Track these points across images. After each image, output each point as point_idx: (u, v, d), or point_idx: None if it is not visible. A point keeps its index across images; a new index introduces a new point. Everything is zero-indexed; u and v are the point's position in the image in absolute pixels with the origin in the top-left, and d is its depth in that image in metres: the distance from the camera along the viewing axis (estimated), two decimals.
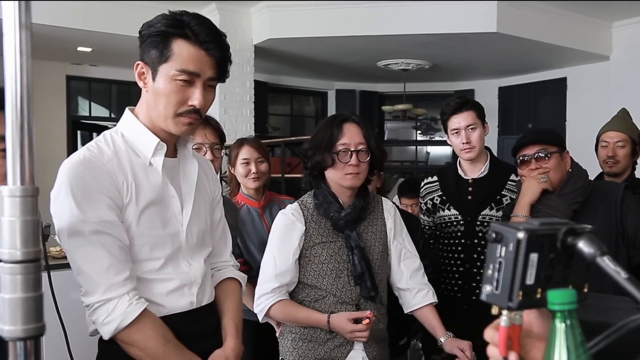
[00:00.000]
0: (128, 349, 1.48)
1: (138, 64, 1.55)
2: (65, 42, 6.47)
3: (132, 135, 1.57)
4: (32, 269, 0.91)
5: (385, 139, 9.71)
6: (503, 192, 2.73)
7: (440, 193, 2.86)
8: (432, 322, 2.23)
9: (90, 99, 8.31)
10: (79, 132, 8.27)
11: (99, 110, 8.46)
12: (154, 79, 1.51)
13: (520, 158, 2.40)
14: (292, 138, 6.97)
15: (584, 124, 7.09)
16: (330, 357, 2.13)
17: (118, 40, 6.35)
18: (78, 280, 1.47)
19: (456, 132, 2.74)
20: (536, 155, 2.34)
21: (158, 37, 1.49)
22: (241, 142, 3.06)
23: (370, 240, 2.21)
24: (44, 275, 1.00)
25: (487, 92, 9.04)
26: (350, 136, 2.10)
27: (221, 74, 1.55)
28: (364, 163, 2.11)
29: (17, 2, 0.89)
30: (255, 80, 6.93)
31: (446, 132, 2.81)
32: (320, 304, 2.16)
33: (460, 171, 2.84)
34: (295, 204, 2.24)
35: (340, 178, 2.11)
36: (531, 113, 8.67)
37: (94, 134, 8.51)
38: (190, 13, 1.53)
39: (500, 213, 2.68)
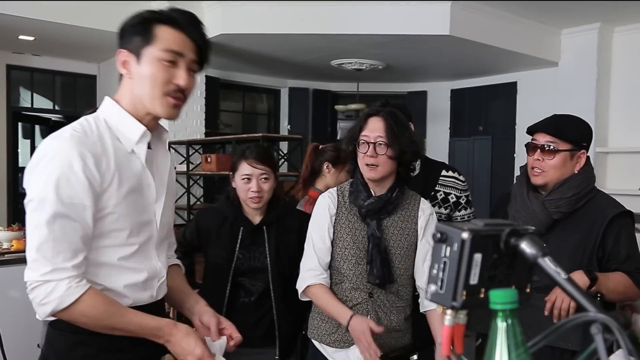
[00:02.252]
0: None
1: (121, 52, 1.59)
2: (5, 29, 6.24)
3: (116, 121, 1.60)
4: None
5: (338, 137, 9.75)
6: (437, 188, 2.88)
7: None
8: (436, 326, 2.30)
9: (32, 89, 8.05)
10: (20, 124, 8.02)
11: (42, 102, 8.21)
12: (138, 62, 1.56)
13: (529, 143, 2.31)
14: (244, 135, 6.92)
15: None
16: (342, 339, 2.29)
17: (63, 30, 6.17)
18: (27, 253, 1.48)
19: None
20: (543, 146, 2.24)
21: (140, 24, 1.57)
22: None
23: (396, 235, 2.31)
24: None
25: (439, 94, 9.18)
26: (372, 129, 2.23)
27: (202, 58, 1.63)
28: (382, 156, 2.21)
29: None
30: (206, 76, 6.86)
31: None
32: (337, 288, 2.31)
33: None
34: (335, 188, 2.41)
35: (362, 168, 2.26)
36: (482, 116, 8.84)
37: (37, 127, 8.29)
38: (170, 8, 1.63)
39: (436, 208, 2.80)
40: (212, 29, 6.41)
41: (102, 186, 1.51)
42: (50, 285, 1.44)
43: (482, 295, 0.82)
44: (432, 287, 0.82)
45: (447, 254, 0.81)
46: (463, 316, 0.84)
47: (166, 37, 1.55)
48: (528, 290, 0.91)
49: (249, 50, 7.17)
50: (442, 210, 2.86)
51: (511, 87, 8.33)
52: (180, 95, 1.59)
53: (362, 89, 8.56)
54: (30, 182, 1.48)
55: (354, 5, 6.17)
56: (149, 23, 1.56)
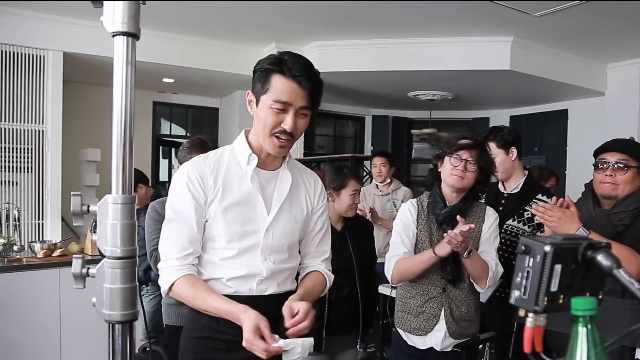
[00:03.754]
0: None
1: (248, 93, 1.59)
2: (152, 74, 6.60)
3: (237, 148, 1.63)
4: (129, 264, 0.92)
5: (413, 157, 9.62)
6: (526, 208, 2.68)
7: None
8: (467, 265, 2.17)
9: (170, 120, 8.45)
10: (161, 147, 8.42)
11: (178, 130, 8.60)
12: (257, 105, 1.55)
13: (599, 162, 2.14)
14: (335, 155, 6.96)
15: (582, 149, 6.94)
16: (420, 327, 2.23)
17: (195, 73, 6.46)
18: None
19: None
20: (615, 164, 2.08)
21: (262, 72, 1.53)
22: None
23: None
24: None
25: (500, 120, 8.84)
26: (465, 153, 2.19)
27: (313, 103, 1.54)
28: (470, 173, 2.18)
29: (125, 41, 0.91)
30: None
31: None
32: (415, 283, 2.26)
33: (500, 185, 2.86)
34: (415, 200, 2.37)
35: (446, 176, 2.22)
36: (537, 139, 8.47)
37: (173, 149, 8.66)
38: (289, 53, 1.55)
39: (521, 224, 2.64)
40: None
41: (205, 199, 1.56)
42: (162, 272, 1.56)
43: (560, 301, 0.77)
44: (516, 293, 0.77)
45: (530, 264, 0.76)
46: (543, 319, 0.78)
47: (279, 87, 1.48)
48: (601, 296, 0.84)
49: (340, 85, 7.21)
50: (525, 228, 2.66)
51: (563, 114, 7.94)
52: (287, 137, 1.53)
53: (434, 115, 8.42)
54: None
55: (427, 46, 6.10)
56: (269, 73, 1.50)
